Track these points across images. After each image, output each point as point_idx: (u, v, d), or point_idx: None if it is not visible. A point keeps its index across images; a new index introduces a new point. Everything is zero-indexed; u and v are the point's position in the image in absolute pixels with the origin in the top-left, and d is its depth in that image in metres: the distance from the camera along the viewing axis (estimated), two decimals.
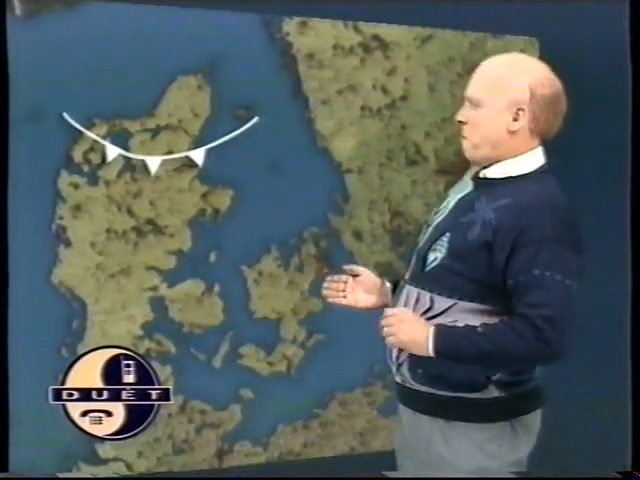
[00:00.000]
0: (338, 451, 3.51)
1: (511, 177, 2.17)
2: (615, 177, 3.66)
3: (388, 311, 2.20)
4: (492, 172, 2.20)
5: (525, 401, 2.22)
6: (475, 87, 2.20)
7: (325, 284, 2.48)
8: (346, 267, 2.46)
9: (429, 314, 2.18)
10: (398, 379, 2.28)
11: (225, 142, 3.24)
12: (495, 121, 2.16)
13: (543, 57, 3.61)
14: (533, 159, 2.19)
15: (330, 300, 2.47)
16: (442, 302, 2.17)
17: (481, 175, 2.22)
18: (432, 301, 2.18)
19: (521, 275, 2.06)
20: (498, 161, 2.19)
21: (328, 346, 3.45)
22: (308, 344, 3.45)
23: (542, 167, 2.20)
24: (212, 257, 3.30)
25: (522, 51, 3.58)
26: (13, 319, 3.04)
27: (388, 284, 2.43)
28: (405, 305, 2.24)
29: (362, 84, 3.43)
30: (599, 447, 3.57)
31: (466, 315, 2.14)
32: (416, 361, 2.20)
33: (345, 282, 2.44)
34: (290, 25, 3.31)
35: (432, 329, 2.12)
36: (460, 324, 2.14)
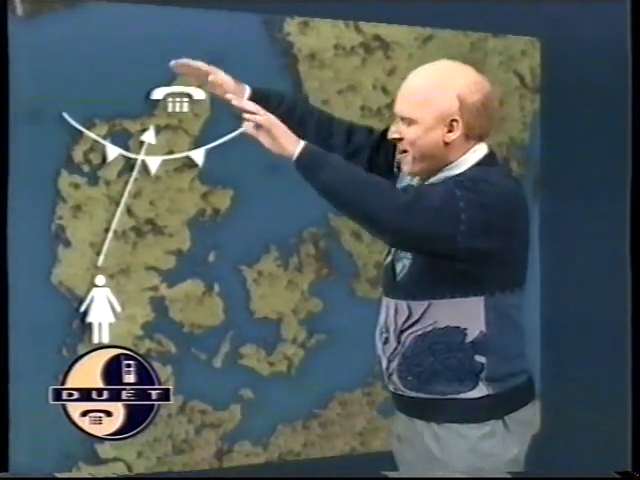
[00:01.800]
0: (338, 451, 3.51)
1: (454, 175, 2.17)
2: (615, 177, 3.66)
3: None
4: (435, 178, 2.19)
5: (516, 396, 2.21)
6: (404, 105, 2.18)
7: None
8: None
9: (410, 321, 2.18)
10: (390, 387, 2.28)
11: (225, 142, 3.24)
12: (430, 136, 2.14)
13: (544, 57, 3.63)
14: (474, 155, 2.18)
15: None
16: (418, 307, 2.16)
17: (427, 183, 2.21)
18: (409, 308, 2.18)
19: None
20: (437, 169, 2.18)
21: (328, 346, 3.45)
22: (308, 344, 3.45)
23: (484, 158, 2.19)
24: (212, 257, 3.30)
25: (523, 52, 3.58)
26: (13, 319, 3.03)
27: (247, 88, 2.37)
28: (386, 318, 2.24)
29: (362, 84, 3.43)
30: (599, 447, 3.57)
31: (443, 313, 2.14)
32: (405, 370, 2.20)
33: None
34: (291, 25, 3.31)
35: (303, 142, 2.12)
36: (440, 325, 2.14)
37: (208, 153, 3.23)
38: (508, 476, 2.22)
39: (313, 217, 3.43)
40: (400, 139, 2.19)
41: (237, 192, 3.30)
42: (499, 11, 3.48)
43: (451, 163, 2.17)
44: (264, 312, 3.38)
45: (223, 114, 3.25)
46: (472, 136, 2.16)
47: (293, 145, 2.13)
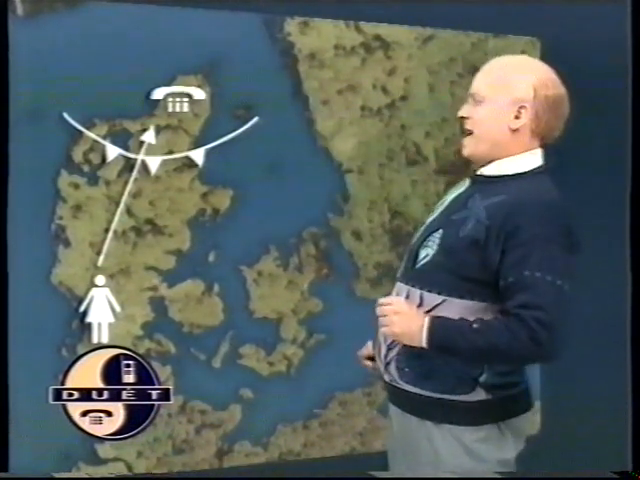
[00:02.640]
0: (338, 451, 3.51)
1: (507, 175, 2.18)
2: (615, 177, 3.66)
3: (383, 300, 2.20)
4: (489, 170, 2.20)
5: (513, 404, 2.22)
6: (479, 84, 2.21)
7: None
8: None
9: (420, 311, 2.19)
10: (386, 378, 2.28)
11: (225, 142, 3.24)
12: (497, 117, 2.17)
13: (544, 57, 3.62)
14: (531, 159, 2.19)
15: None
16: (432, 299, 2.17)
17: (478, 172, 2.22)
18: (422, 298, 2.18)
19: (511, 276, 2.07)
20: (497, 159, 2.19)
21: (328, 346, 3.45)
22: (308, 344, 3.45)
23: (539, 168, 2.20)
24: (212, 257, 3.30)
25: (523, 51, 3.58)
26: (13, 319, 3.03)
27: None
28: None
29: (362, 84, 3.43)
30: (599, 447, 3.57)
31: (456, 311, 2.14)
32: (403, 360, 2.20)
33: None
34: (292, 25, 3.31)
35: (427, 321, 2.12)
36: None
37: (208, 153, 3.23)
38: (498, 476, 2.23)
39: (313, 217, 3.43)
40: (467, 117, 2.21)
41: (237, 192, 3.30)
42: (499, 11, 3.48)
43: (509, 156, 2.18)
44: (264, 312, 3.38)
45: (223, 114, 3.25)
46: (536, 132, 2.18)
47: (419, 339, 2.13)
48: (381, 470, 3.08)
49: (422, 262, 2.20)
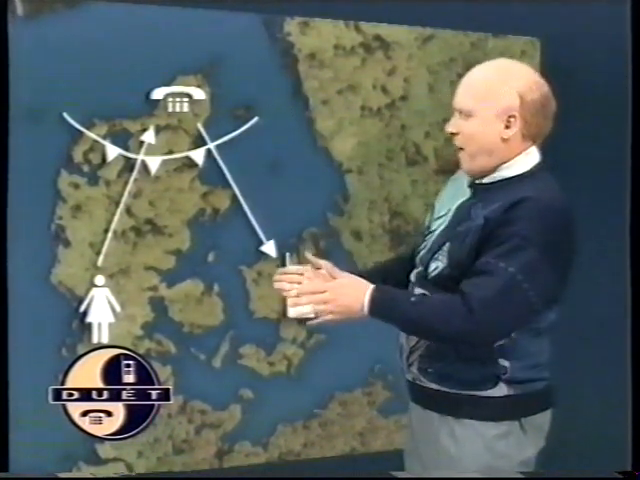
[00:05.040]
0: (338, 451, 3.51)
1: (506, 179, 2.18)
2: (615, 177, 3.66)
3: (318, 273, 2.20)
4: (488, 177, 2.20)
5: (535, 400, 2.22)
6: (464, 98, 2.18)
7: (277, 276, 2.32)
8: (309, 257, 2.35)
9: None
10: (409, 377, 2.29)
11: (225, 142, 3.24)
12: (488, 130, 2.16)
13: (544, 57, 3.63)
14: (527, 159, 2.19)
15: (284, 294, 2.31)
16: None
17: (477, 182, 2.22)
18: None
19: (478, 260, 2.08)
20: (494, 168, 2.19)
21: (328, 346, 3.45)
22: (308, 344, 3.45)
23: (537, 165, 2.20)
24: (211, 257, 3.30)
25: (523, 52, 3.58)
26: (13, 319, 3.03)
27: None
28: None
29: (362, 84, 3.43)
30: (599, 447, 3.57)
31: None
32: (427, 362, 2.22)
33: (301, 274, 2.30)
34: (292, 25, 3.31)
35: (368, 296, 2.11)
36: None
37: (208, 153, 3.23)
38: (516, 475, 2.23)
39: (313, 217, 3.43)
40: (456, 134, 2.20)
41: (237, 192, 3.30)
42: (499, 11, 3.48)
43: (506, 162, 2.17)
44: (264, 312, 3.38)
45: (223, 114, 3.25)
46: (528, 135, 2.17)
47: (359, 309, 2.14)
48: (380, 470, 3.09)
49: (433, 274, 2.20)
